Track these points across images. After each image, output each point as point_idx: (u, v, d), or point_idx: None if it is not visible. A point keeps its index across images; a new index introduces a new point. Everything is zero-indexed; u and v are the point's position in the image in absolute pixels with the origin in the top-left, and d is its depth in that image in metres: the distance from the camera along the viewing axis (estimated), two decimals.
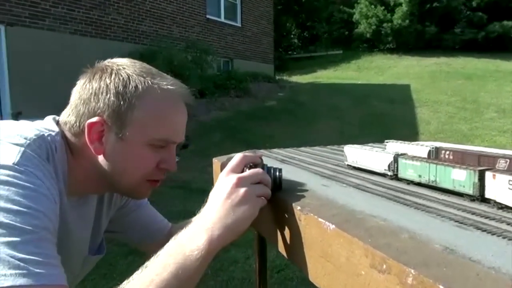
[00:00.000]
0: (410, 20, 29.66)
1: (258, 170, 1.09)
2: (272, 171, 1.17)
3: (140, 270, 0.90)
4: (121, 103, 1.08)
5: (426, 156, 1.85)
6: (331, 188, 1.54)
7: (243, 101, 20.66)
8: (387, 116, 21.58)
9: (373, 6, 31.21)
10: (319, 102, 28.58)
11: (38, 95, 10.53)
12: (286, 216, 1.20)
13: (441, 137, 17.66)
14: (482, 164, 1.58)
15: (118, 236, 1.55)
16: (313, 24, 35.81)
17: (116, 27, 14.24)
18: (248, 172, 1.06)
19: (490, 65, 29.00)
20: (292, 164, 2.07)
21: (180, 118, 1.22)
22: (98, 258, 1.40)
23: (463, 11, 29.52)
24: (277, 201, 1.25)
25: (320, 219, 1.05)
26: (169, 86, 1.19)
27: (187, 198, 8.37)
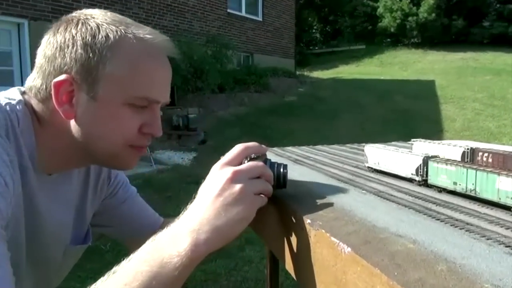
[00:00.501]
0: (437, 14, 28.79)
1: (258, 163, 0.95)
2: (276, 166, 1.02)
3: (106, 276, 0.74)
4: (90, 55, 0.93)
5: (459, 158, 1.61)
6: (348, 196, 1.33)
7: (262, 96, 20.47)
8: (411, 112, 21.07)
9: (398, 0, 30.45)
10: (340, 98, 28.15)
11: None
12: (295, 229, 1.02)
13: (467, 135, 17.06)
14: None
15: (105, 230, 1.39)
16: (335, 18, 35.21)
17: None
18: (246, 164, 0.91)
19: None
20: (306, 164, 1.87)
21: (161, 72, 1.06)
22: (83, 248, 1.24)
23: (493, 4, 28.47)
24: (285, 209, 1.07)
25: (333, 238, 0.86)
26: (146, 35, 1.03)
27: None
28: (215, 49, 15.80)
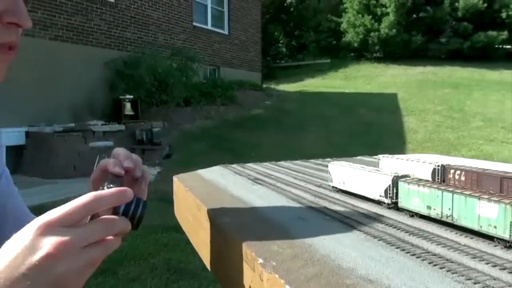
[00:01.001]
0: (397, 30, 29.75)
1: (99, 223, 0.66)
2: (131, 209, 0.73)
3: None
4: None
5: (429, 176, 1.46)
6: (310, 224, 1.14)
7: (229, 109, 20.30)
8: (375, 125, 21.46)
9: (360, 15, 31.27)
10: (306, 110, 28.41)
11: (16, 102, 10.05)
12: (246, 268, 0.83)
13: (429, 146, 17.49)
14: (508, 190, 1.21)
15: None
16: (301, 33, 35.76)
17: (98, 33, 13.81)
18: (82, 229, 0.65)
19: (475, 74, 29.21)
20: (266, 184, 1.68)
21: None
22: None
23: (449, 21, 29.70)
24: (234, 244, 0.89)
25: (288, 287, 0.68)
26: None
27: (166, 211, 7.94)
28: (180, 62, 15.54)
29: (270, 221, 1.10)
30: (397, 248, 0.86)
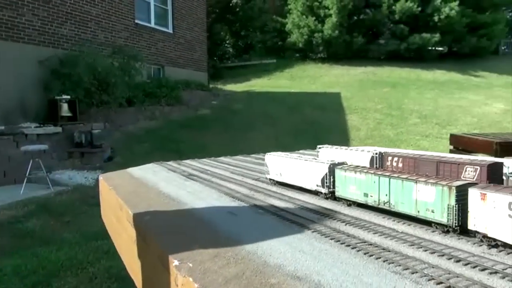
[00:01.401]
0: (340, 31, 30.63)
1: None
2: None
3: None
4: None
5: (368, 164, 1.39)
6: (239, 219, 1.02)
7: (174, 109, 19.84)
8: (320, 123, 21.93)
9: (304, 17, 31.87)
10: (253, 110, 28.47)
11: None
12: (162, 271, 0.69)
13: (370, 142, 18.13)
14: (444, 174, 1.17)
15: None
16: (247, 33, 35.83)
17: (31, 30, 12.91)
18: None
19: (412, 74, 30.75)
20: (200, 180, 1.55)
21: None
22: None
23: (387, 24, 31.04)
24: (151, 244, 0.75)
25: None
26: None
27: None
28: (122, 60, 14.93)
29: (196, 218, 0.97)
30: (331, 239, 0.75)
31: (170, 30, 21.30)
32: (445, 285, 0.63)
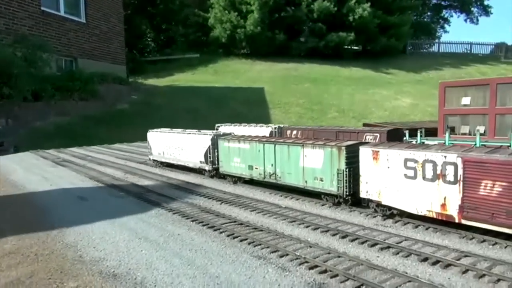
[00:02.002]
0: (262, 27, 31.00)
1: None
2: None
3: None
4: None
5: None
6: (86, 205, 0.97)
7: (89, 104, 18.83)
8: (244, 117, 22.07)
9: (227, 12, 31.82)
10: (177, 105, 27.94)
11: None
12: None
13: None
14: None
15: None
16: (168, 26, 34.94)
17: None
18: None
19: (330, 71, 32.09)
20: (71, 166, 1.43)
21: None
22: None
23: (306, 22, 32.03)
24: None
25: None
26: None
27: None
28: (26, 50, 13.80)
29: (33, 205, 0.86)
30: (193, 221, 0.72)
31: (83, 20, 20.13)
32: (320, 269, 0.60)
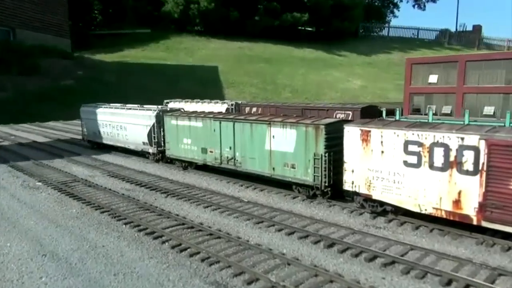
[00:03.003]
0: (216, 4, 29.07)
1: None
2: None
3: None
4: None
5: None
6: None
7: (30, 80, 16.30)
8: (198, 96, 20.38)
9: None
10: (128, 82, 25.63)
11: None
12: None
13: None
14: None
15: None
16: None
17: None
18: None
19: (285, 51, 30.96)
20: None
21: None
22: None
23: (261, 0, 30.42)
24: None
25: None
26: None
27: None
28: None
29: None
30: (127, 224, 0.51)
31: None
32: None
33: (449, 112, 10.39)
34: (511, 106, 9.66)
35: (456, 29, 31.14)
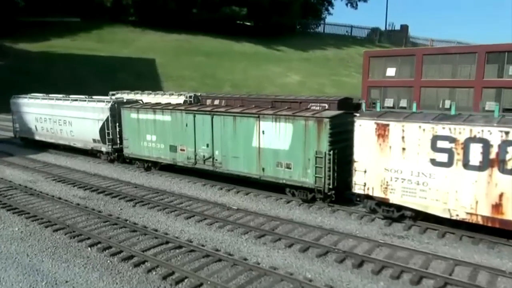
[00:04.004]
0: None
1: None
2: None
3: None
4: None
5: None
6: None
7: None
8: (136, 90, 18.69)
9: None
10: (58, 74, 22.71)
11: None
12: None
13: None
14: None
15: None
16: None
17: None
18: None
19: (224, 45, 29.77)
20: None
21: None
22: None
23: None
24: None
25: None
26: None
27: None
28: None
29: None
30: (93, 246, 0.56)
31: None
32: None
33: (405, 105, 10.12)
34: (462, 100, 9.64)
35: (386, 28, 32.28)
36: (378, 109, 6.99)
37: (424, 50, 10.38)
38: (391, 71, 10.28)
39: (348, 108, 7.60)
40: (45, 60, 23.54)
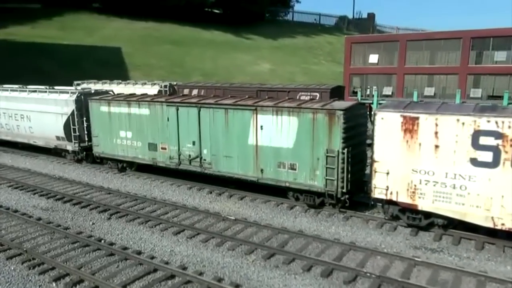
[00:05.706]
0: None
1: None
2: None
3: None
4: None
5: None
6: None
7: None
8: (101, 78, 17.30)
9: None
10: (17, 63, 20.52)
11: None
12: None
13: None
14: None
15: None
16: None
17: None
18: None
19: (193, 33, 28.37)
20: None
21: None
22: None
23: None
24: None
25: None
26: None
27: None
28: None
29: None
30: (58, 280, 0.27)
31: None
32: None
33: (390, 93, 9.49)
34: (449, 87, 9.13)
35: (353, 16, 31.90)
36: (359, 98, 6.28)
37: (407, 36, 9.78)
38: (373, 58, 9.62)
39: (340, 97, 6.82)
40: (4, 49, 21.34)
